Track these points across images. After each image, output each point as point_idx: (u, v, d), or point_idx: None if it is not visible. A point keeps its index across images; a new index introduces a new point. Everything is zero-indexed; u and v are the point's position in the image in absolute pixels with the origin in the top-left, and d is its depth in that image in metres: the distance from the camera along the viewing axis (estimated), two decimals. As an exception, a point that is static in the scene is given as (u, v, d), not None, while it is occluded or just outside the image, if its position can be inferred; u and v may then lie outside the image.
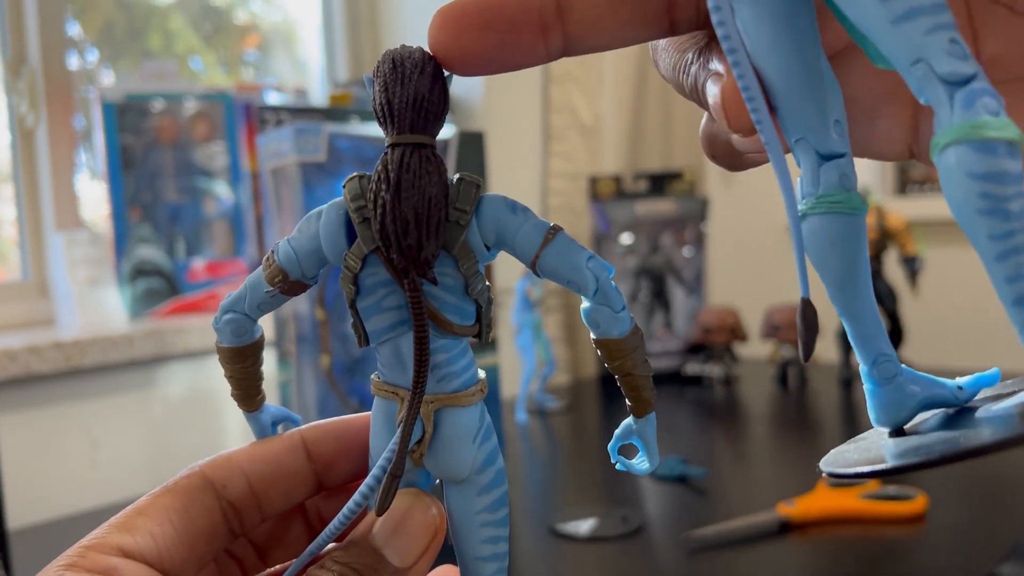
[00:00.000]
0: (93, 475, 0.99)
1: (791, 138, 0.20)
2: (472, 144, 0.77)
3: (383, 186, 0.21)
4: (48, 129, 1.13)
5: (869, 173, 1.73)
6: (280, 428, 0.27)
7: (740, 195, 1.69)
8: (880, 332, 0.21)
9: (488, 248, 0.22)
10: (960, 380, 0.21)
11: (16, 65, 1.13)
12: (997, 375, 0.21)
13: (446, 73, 0.22)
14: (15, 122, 1.13)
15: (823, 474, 0.21)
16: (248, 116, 1.21)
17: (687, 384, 1.24)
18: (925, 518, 0.68)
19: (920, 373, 0.21)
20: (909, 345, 1.21)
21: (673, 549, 0.66)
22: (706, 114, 0.24)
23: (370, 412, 0.25)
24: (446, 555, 0.25)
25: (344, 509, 0.23)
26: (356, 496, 0.23)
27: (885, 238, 1.13)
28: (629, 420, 0.24)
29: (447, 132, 0.76)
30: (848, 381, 1.17)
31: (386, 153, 0.21)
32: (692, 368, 1.26)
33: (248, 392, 0.26)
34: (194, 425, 1.07)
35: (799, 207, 0.21)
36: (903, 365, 0.21)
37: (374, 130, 0.72)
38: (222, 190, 1.21)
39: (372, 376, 0.24)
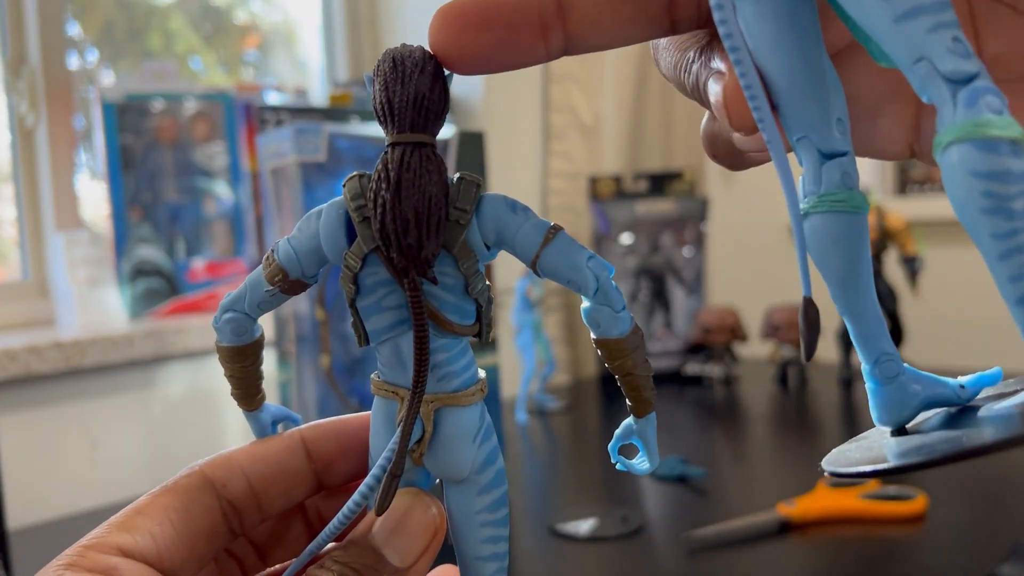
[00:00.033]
0: (93, 475, 0.99)
1: (793, 136, 0.20)
2: (472, 144, 0.77)
3: (383, 185, 0.21)
4: (48, 129, 1.13)
5: (869, 173, 1.73)
6: (280, 427, 0.27)
7: (740, 195, 1.69)
8: (882, 331, 0.21)
9: (488, 247, 0.22)
10: (962, 379, 0.21)
11: (16, 65, 1.13)
12: (999, 374, 0.21)
13: (446, 72, 0.22)
14: (15, 122, 1.13)
15: (825, 473, 0.21)
16: (248, 116, 1.21)
17: (687, 384, 1.24)
18: (925, 518, 0.68)
19: (922, 372, 0.21)
20: (909, 345, 1.21)
21: (673, 549, 0.66)
22: (707, 113, 0.24)
23: (370, 412, 0.25)
24: (446, 555, 0.25)
25: (344, 508, 0.23)
26: (356, 496, 0.23)
27: (885, 238, 1.13)
28: (629, 420, 0.24)
29: (447, 132, 0.76)
30: (848, 381, 1.17)
31: (386, 152, 0.21)
32: (692, 368, 1.26)
33: (248, 391, 0.26)
34: (194, 425, 1.07)
35: (801, 206, 0.21)
36: (905, 364, 0.21)
37: (374, 130, 0.72)
38: (222, 190, 1.21)
39: (372, 376, 0.24)
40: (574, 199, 1.41)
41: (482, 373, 0.24)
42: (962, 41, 0.16)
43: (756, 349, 1.33)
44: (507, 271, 1.08)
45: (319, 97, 1.41)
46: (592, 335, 0.23)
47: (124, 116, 1.14)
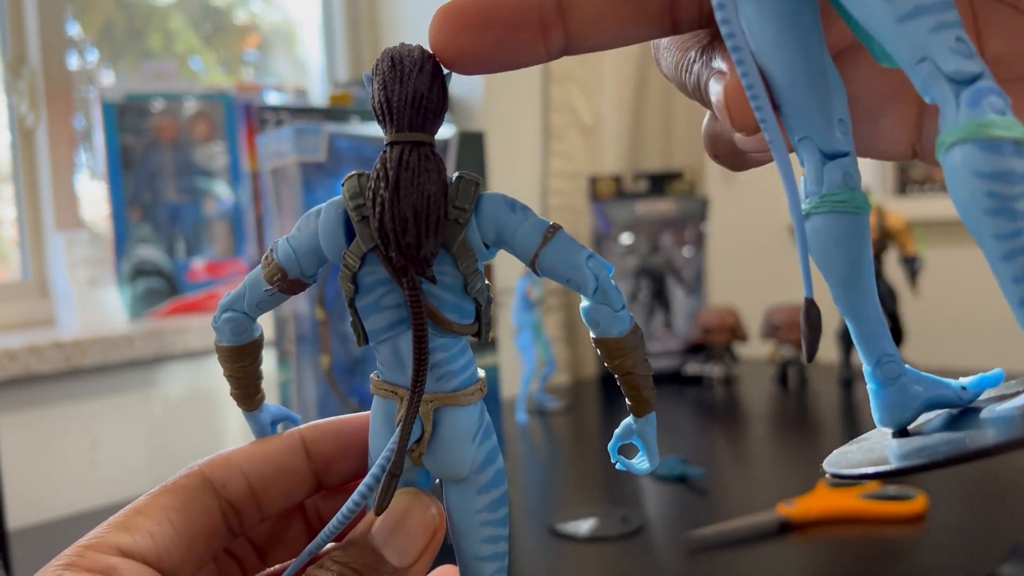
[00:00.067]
0: (93, 475, 0.99)
1: (795, 137, 0.20)
2: (472, 144, 0.77)
3: (382, 184, 0.21)
4: (48, 129, 1.13)
5: (869, 173, 1.73)
6: (279, 427, 0.27)
7: (740, 195, 1.69)
8: (884, 332, 0.21)
9: (487, 246, 0.22)
10: (964, 380, 0.21)
11: (16, 65, 1.13)
12: (1001, 375, 0.21)
13: (445, 71, 0.22)
14: (15, 122, 1.13)
15: (826, 475, 0.21)
16: (248, 116, 1.21)
17: (687, 384, 1.24)
18: (925, 518, 0.68)
19: (924, 373, 0.21)
20: (909, 345, 1.21)
21: (673, 549, 0.66)
22: (709, 113, 0.24)
23: (369, 412, 0.25)
24: (446, 555, 0.25)
25: (343, 508, 0.23)
26: (355, 495, 0.23)
27: (885, 238, 1.13)
28: (629, 419, 0.24)
29: (447, 132, 0.76)
30: (848, 381, 1.17)
31: (385, 151, 0.21)
32: (692, 368, 1.26)
33: (247, 391, 0.26)
34: (194, 425, 1.07)
35: (802, 206, 0.20)
36: (907, 365, 0.21)
37: (374, 130, 0.72)
38: (222, 190, 1.21)
39: (371, 375, 0.24)
40: (574, 199, 1.41)
41: (481, 372, 0.24)
42: (965, 41, 0.16)
43: (756, 349, 1.33)
44: (507, 271, 1.08)
45: (319, 97, 1.41)
46: (591, 334, 0.23)
47: (124, 116, 1.14)
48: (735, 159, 0.25)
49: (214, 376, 1.00)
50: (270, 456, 0.26)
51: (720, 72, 0.21)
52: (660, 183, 1.32)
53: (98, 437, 1.00)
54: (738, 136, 0.23)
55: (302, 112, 0.84)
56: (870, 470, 0.20)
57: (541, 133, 1.39)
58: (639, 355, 0.22)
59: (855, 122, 0.21)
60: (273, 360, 0.75)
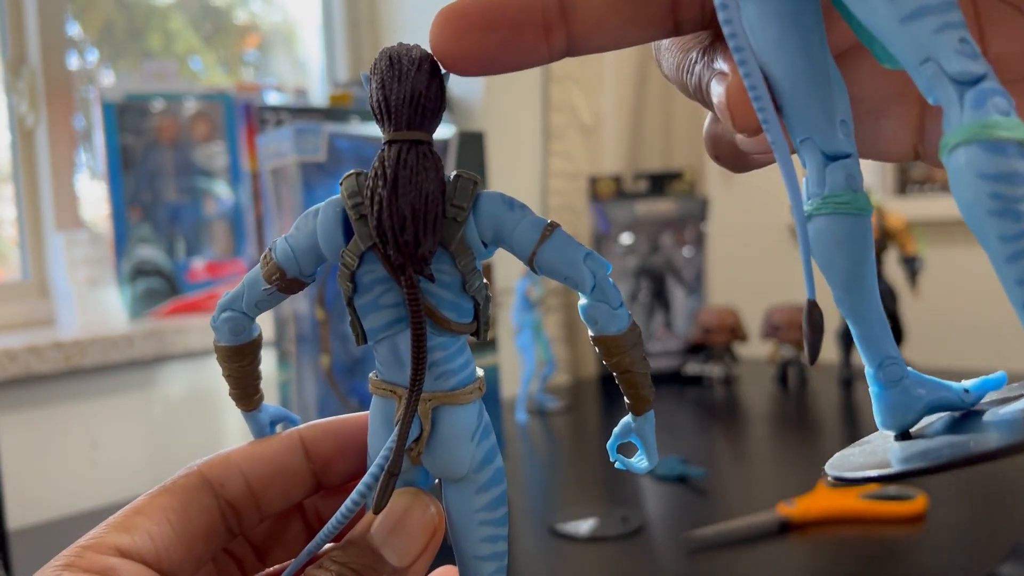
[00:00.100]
0: (93, 475, 0.99)
1: (796, 138, 0.20)
2: (472, 144, 0.77)
3: (380, 182, 0.21)
4: (48, 129, 1.13)
5: (869, 173, 1.73)
6: (278, 428, 0.27)
7: (740, 195, 1.69)
8: (886, 334, 0.21)
9: (485, 245, 0.22)
10: (966, 383, 0.21)
11: (16, 65, 1.13)
12: (1004, 378, 0.21)
13: (443, 70, 0.22)
14: (15, 122, 1.13)
15: (829, 478, 0.21)
16: (248, 116, 1.21)
17: (687, 384, 1.24)
18: (925, 518, 0.68)
19: (926, 376, 0.21)
20: (909, 345, 1.21)
21: (673, 549, 0.66)
22: (710, 115, 0.24)
23: (368, 411, 0.25)
24: (445, 555, 0.25)
25: (342, 508, 0.23)
26: (353, 494, 0.23)
27: (885, 238, 1.13)
28: (628, 418, 0.24)
29: (447, 132, 0.76)
30: (848, 381, 1.17)
31: (383, 150, 0.21)
32: (692, 368, 1.26)
33: (246, 391, 0.26)
34: (194, 425, 1.07)
35: (804, 208, 0.20)
36: (909, 368, 0.21)
37: (374, 130, 0.72)
38: (222, 190, 1.21)
39: (370, 375, 0.24)
40: (574, 199, 1.41)
41: (480, 371, 0.24)
42: (969, 42, 0.16)
43: (756, 349, 1.33)
44: (507, 271, 1.08)
45: (319, 97, 1.41)
46: (590, 332, 0.22)
47: (124, 116, 1.14)
48: (737, 160, 0.25)
49: (214, 376, 1.00)
50: (269, 456, 0.26)
51: (722, 73, 0.21)
52: (660, 183, 1.32)
53: (98, 437, 1.00)
54: (740, 137, 0.23)
55: (302, 112, 0.84)
56: (873, 473, 0.19)
57: (541, 133, 1.39)
58: (637, 353, 0.22)
59: (857, 123, 0.21)
60: (273, 360, 0.75)
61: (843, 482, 0.20)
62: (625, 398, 0.23)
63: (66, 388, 0.98)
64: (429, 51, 0.21)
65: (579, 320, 1.29)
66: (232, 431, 1.09)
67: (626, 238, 1.30)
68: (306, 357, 0.70)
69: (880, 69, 0.20)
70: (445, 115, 0.22)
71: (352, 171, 0.22)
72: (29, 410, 0.95)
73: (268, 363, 0.27)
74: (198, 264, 1.19)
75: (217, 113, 1.20)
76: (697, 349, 1.28)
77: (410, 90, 0.21)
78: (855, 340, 0.21)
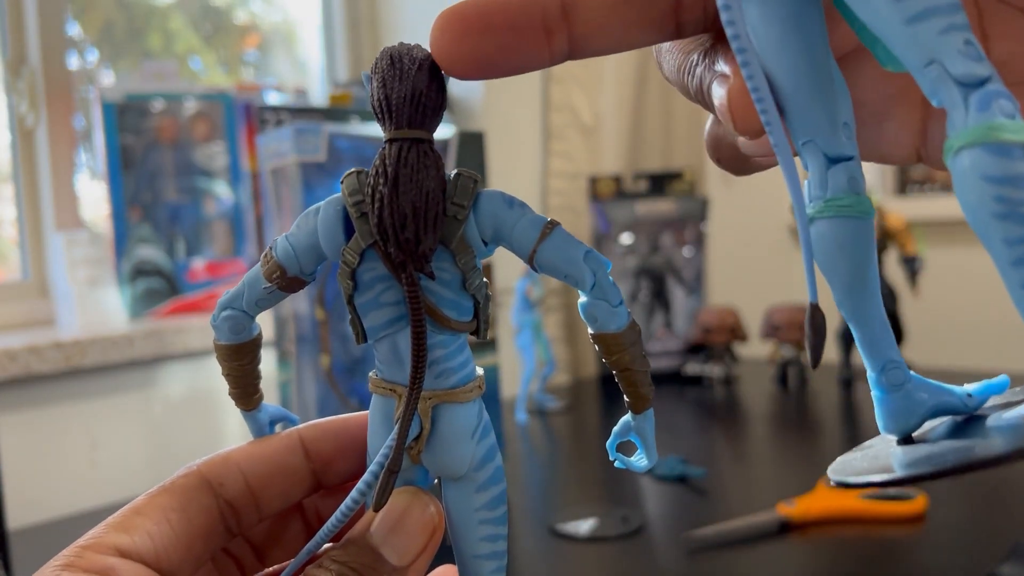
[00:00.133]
0: (93, 475, 0.99)
1: (798, 140, 0.20)
2: (472, 144, 0.77)
3: (381, 180, 0.21)
4: (48, 129, 1.13)
5: (869, 173, 1.73)
6: (278, 427, 0.27)
7: (740, 195, 1.69)
8: (888, 338, 0.21)
9: (485, 243, 0.22)
10: (969, 387, 0.21)
11: (16, 65, 1.13)
12: (1006, 383, 0.21)
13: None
14: (15, 122, 1.13)
15: (832, 483, 0.21)
16: (248, 116, 1.21)
17: (687, 384, 1.24)
18: (925, 518, 0.68)
19: (929, 380, 0.21)
20: (909, 345, 1.21)
21: (673, 549, 0.66)
22: (711, 117, 0.24)
23: (368, 411, 0.25)
24: (445, 555, 0.25)
25: (341, 507, 0.23)
26: (353, 493, 0.23)
27: (885, 238, 1.13)
28: (628, 417, 0.24)
29: (447, 132, 0.76)
30: (848, 381, 1.17)
31: (384, 148, 0.21)
32: (692, 368, 1.26)
33: (246, 391, 0.26)
34: (194, 425, 1.07)
35: (807, 211, 0.20)
36: (911, 372, 0.21)
37: (374, 130, 0.72)
38: (222, 190, 1.21)
39: (370, 374, 0.24)
40: (574, 199, 1.41)
41: (480, 370, 0.24)
42: (974, 44, 0.16)
43: (756, 349, 1.33)
44: (507, 271, 1.08)
45: (319, 97, 1.41)
46: (589, 330, 0.22)
47: (124, 116, 1.14)
48: (738, 163, 0.25)
49: (214, 376, 1.00)
50: (268, 456, 0.26)
51: (723, 75, 0.21)
52: (660, 183, 1.32)
53: (98, 437, 1.00)
54: (741, 140, 0.22)
55: (302, 112, 0.84)
56: (876, 478, 0.19)
57: (541, 133, 1.39)
58: (637, 351, 0.22)
59: (859, 126, 0.21)
60: (273, 360, 0.75)
61: (847, 487, 0.20)
62: (625, 396, 0.23)
63: (66, 388, 0.98)
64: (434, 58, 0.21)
65: (579, 320, 1.30)
66: (232, 431, 1.09)
67: (626, 238, 1.30)
68: (306, 357, 0.70)
69: (882, 72, 0.20)
70: (445, 115, 0.22)
71: (353, 169, 0.22)
72: (29, 410, 0.95)
73: (268, 363, 0.27)
74: (198, 264, 1.19)
75: (217, 113, 1.20)
76: (697, 349, 1.28)
77: (411, 89, 0.21)
78: (857, 344, 0.21)
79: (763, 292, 1.47)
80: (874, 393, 0.21)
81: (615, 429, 0.24)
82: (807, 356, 0.20)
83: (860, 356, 0.21)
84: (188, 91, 1.19)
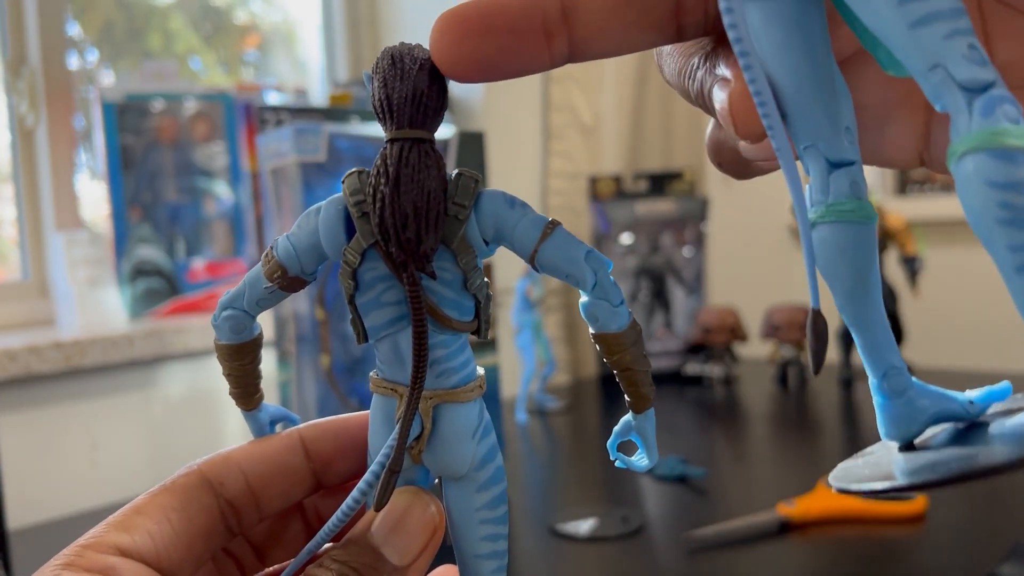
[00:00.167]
0: (93, 475, 0.99)
1: (800, 145, 0.20)
2: (472, 144, 0.77)
3: (382, 180, 0.21)
4: (48, 129, 1.13)
5: (869, 173, 1.73)
6: (278, 427, 0.27)
7: (740, 195, 1.69)
8: (890, 343, 0.20)
9: (486, 243, 0.22)
10: (971, 394, 0.21)
11: (16, 65, 1.13)
12: (1008, 389, 0.21)
13: (445, 71, 0.22)
14: (15, 122, 1.13)
15: (833, 490, 0.21)
16: (248, 116, 1.21)
17: (687, 384, 1.24)
18: (925, 518, 0.68)
19: (931, 387, 0.21)
20: (909, 345, 1.21)
21: (673, 549, 0.66)
22: (712, 121, 0.24)
23: (369, 411, 0.25)
24: (445, 554, 0.25)
25: (342, 506, 0.23)
26: (354, 493, 0.23)
27: (885, 238, 1.13)
28: (628, 416, 0.24)
29: (447, 132, 0.76)
30: (848, 381, 1.17)
31: (385, 148, 0.21)
32: (692, 368, 1.26)
33: (246, 390, 0.26)
34: (194, 425, 1.07)
35: (809, 215, 0.20)
36: (913, 378, 0.21)
37: (374, 130, 0.72)
38: (222, 190, 1.21)
39: (371, 374, 0.24)
40: (574, 199, 1.41)
41: (480, 370, 0.24)
42: (978, 49, 0.16)
43: (756, 349, 1.33)
44: (507, 271, 1.08)
45: (319, 97, 1.41)
46: (590, 330, 0.22)
47: (124, 116, 1.14)
48: (740, 167, 0.24)
49: (214, 376, 1.00)
50: (269, 455, 0.26)
51: (724, 79, 0.20)
52: (660, 183, 1.32)
53: (98, 437, 1.00)
54: (743, 144, 0.22)
55: (302, 112, 0.84)
56: (879, 486, 0.19)
57: (541, 133, 1.39)
58: (637, 351, 0.22)
59: (861, 130, 0.20)
60: (273, 360, 0.75)
61: (849, 494, 0.20)
62: (625, 396, 0.23)
63: (66, 388, 0.98)
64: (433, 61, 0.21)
65: (579, 320, 1.30)
66: (232, 431, 1.09)
67: (626, 238, 1.30)
68: (306, 357, 0.70)
69: (884, 76, 0.20)
70: (445, 115, 0.22)
71: (354, 169, 0.22)
72: (29, 410, 0.95)
73: (268, 363, 0.27)
74: (198, 264, 1.19)
75: (217, 113, 1.20)
76: (697, 349, 1.28)
77: (412, 89, 0.21)
78: (859, 349, 0.21)
79: (763, 292, 1.47)
80: (876, 399, 0.21)
81: (616, 429, 0.24)
82: (809, 361, 0.20)
83: (863, 364, 0.21)
84: (188, 91, 1.19)
